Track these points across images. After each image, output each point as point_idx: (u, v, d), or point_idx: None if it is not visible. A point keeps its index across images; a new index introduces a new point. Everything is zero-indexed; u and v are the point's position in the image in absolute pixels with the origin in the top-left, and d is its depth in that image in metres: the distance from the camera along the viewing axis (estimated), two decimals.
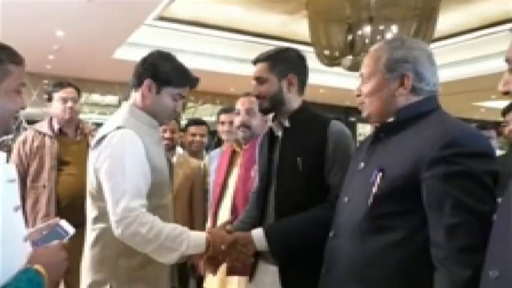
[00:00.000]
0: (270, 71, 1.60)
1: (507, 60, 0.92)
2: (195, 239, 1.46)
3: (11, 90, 1.06)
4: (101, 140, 1.49)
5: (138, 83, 1.56)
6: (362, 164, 1.27)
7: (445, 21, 5.76)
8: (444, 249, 1.01)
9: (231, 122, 2.37)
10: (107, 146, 1.46)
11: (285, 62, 1.61)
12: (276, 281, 1.52)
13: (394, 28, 4.95)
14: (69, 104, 2.58)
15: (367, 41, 4.94)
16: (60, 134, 2.62)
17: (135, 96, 1.58)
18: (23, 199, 2.50)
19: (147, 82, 1.54)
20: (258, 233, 1.50)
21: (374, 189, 1.15)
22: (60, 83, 2.68)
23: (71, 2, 4.23)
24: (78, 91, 2.72)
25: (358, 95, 1.30)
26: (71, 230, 1.26)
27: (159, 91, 1.55)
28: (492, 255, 0.90)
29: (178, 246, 1.42)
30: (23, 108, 1.12)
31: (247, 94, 2.18)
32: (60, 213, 2.41)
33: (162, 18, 5.89)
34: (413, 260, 1.09)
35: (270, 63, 1.60)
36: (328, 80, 7.41)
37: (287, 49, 1.67)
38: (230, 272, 2.00)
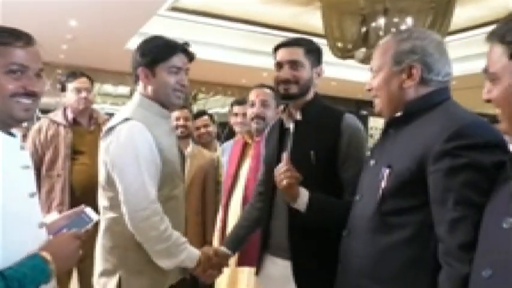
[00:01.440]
0: (305, 57, 1.57)
1: (485, 71, 0.92)
2: (192, 253, 1.51)
3: (2, 72, 1.01)
4: (110, 131, 1.50)
5: (136, 76, 1.57)
6: (373, 161, 1.26)
7: (461, 14, 5.65)
8: (446, 244, 1.00)
9: (244, 114, 2.37)
10: (116, 138, 1.46)
11: (316, 52, 1.61)
12: (286, 274, 1.52)
13: (409, 20, 4.88)
14: (83, 94, 2.61)
15: (381, 33, 4.87)
16: (74, 123, 2.64)
17: (140, 87, 1.58)
18: (38, 187, 2.54)
19: (140, 71, 1.54)
20: (304, 193, 1.45)
21: (382, 186, 1.14)
22: (73, 73, 2.70)
23: None
24: (91, 81, 2.75)
25: (369, 89, 1.29)
26: (95, 216, 1.31)
27: (154, 73, 1.53)
28: (483, 255, 0.89)
29: (179, 254, 1.47)
30: (24, 92, 1.05)
31: (260, 85, 2.16)
32: (74, 201, 2.44)
33: (174, 9, 5.87)
34: (423, 257, 1.08)
35: (306, 48, 1.58)
36: (340, 73, 7.34)
37: (314, 42, 1.65)
38: (240, 263, 2.01)
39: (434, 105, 1.16)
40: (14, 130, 1.12)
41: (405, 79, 1.18)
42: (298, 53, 1.57)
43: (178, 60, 1.55)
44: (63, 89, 2.67)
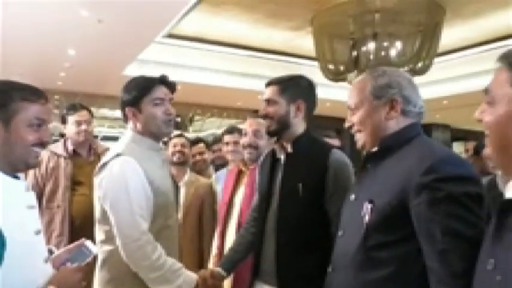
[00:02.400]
0: (280, 94, 1.66)
1: (486, 91, 0.93)
2: (189, 277, 1.58)
3: (25, 124, 1.14)
4: (103, 167, 1.58)
5: (125, 116, 1.67)
6: (353, 196, 1.29)
7: (450, 35, 5.82)
8: (439, 273, 1.02)
9: (235, 142, 2.44)
10: (108, 174, 1.55)
11: (295, 88, 1.68)
12: None
13: (398, 44, 5.02)
14: (83, 127, 2.69)
15: (371, 57, 5.02)
16: (74, 154, 2.71)
17: (131, 125, 1.67)
18: None
19: (127, 110, 1.64)
20: None
21: (365, 221, 1.16)
22: (74, 106, 2.79)
23: (82, 22, 4.36)
24: (91, 113, 2.83)
25: (350, 127, 1.33)
26: (94, 249, 1.38)
27: (140, 109, 1.63)
28: None
29: (175, 279, 1.53)
30: (43, 142, 1.19)
31: (254, 116, 2.25)
32: (74, 232, 2.51)
33: (170, 36, 6.02)
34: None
35: (281, 86, 1.67)
36: (334, 94, 7.47)
37: (300, 76, 1.73)
38: (235, 287, 2.06)
39: (409, 140, 1.21)
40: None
41: (389, 111, 1.24)
42: (272, 92, 1.68)
43: (159, 92, 1.65)
44: (64, 121, 2.74)
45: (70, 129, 2.70)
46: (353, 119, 1.31)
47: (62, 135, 2.89)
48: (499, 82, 0.87)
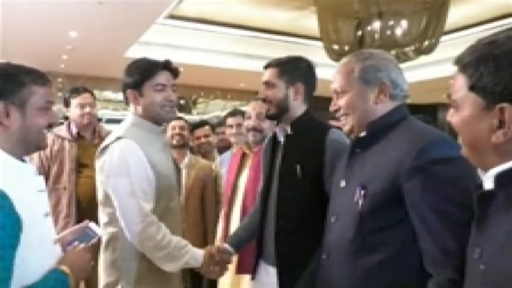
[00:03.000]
0: (278, 77, 1.63)
1: (448, 96, 0.94)
2: (195, 253, 1.60)
3: (37, 108, 1.16)
4: (104, 151, 1.58)
5: (126, 99, 1.66)
6: (343, 182, 1.27)
7: (457, 13, 5.70)
8: (432, 253, 1.03)
9: (238, 125, 2.44)
10: (109, 157, 1.54)
11: (294, 70, 1.65)
12: (275, 283, 1.58)
13: (404, 23, 4.93)
14: (87, 109, 2.69)
15: (376, 36, 4.94)
16: (79, 137, 2.72)
17: (132, 108, 1.66)
18: None
19: (129, 93, 1.63)
20: None
21: (359, 207, 1.15)
22: (77, 89, 2.78)
23: (82, 4, 4.31)
24: (94, 96, 2.82)
25: (336, 110, 1.31)
26: (99, 231, 1.42)
27: (142, 93, 1.62)
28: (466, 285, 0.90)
29: (182, 256, 1.55)
30: (51, 124, 1.21)
31: (257, 99, 2.23)
32: (80, 213, 2.53)
33: (172, 17, 5.94)
34: (404, 277, 1.10)
35: (279, 69, 1.64)
36: None
37: (299, 58, 1.70)
38: (238, 270, 2.08)
39: (396, 123, 1.20)
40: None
41: (378, 95, 1.23)
42: (271, 74, 1.65)
43: (162, 77, 1.63)
44: (67, 104, 2.74)
45: (74, 112, 2.70)
46: (340, 103, 1.29)
47: (66, 118, 2.89)
48: (457, 87, 0.88)
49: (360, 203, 1.15)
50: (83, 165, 2.66)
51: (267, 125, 2.16)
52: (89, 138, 2.75)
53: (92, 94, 2.80)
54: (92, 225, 1.42)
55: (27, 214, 1.05)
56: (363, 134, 1.25)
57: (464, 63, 0.87)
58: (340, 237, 1.22)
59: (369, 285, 1.14)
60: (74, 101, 2.70)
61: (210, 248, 1.70)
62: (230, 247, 1.77)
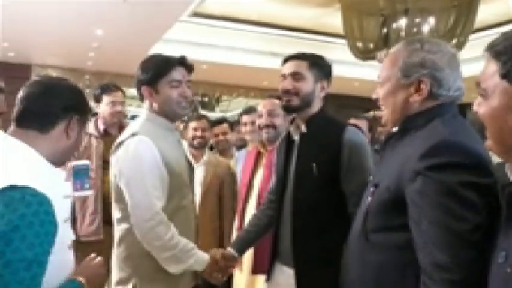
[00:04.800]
0: (308, 70, 1.61)
1: (477, 84, 0.89)
2: (201, 258, 1.58)
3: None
4: (119, 146, 1.59)
5: (141, 95, 1.65)
6: (371, 177, 1.26)
7: (487, 10, 5.50)
8: (423, 263, 0.98)
9: (252, 123, 2.42)
10: (124, 153, 1.55)
11: (322, 67, 1.64)
12: (291, 283, 1.56)
13: (431, 20, 4.79)
14: (118, 108, 2.70)
15: (402, 33, 4.81)
16: (105, 134, 2.73)
17: (147, 104, 1.66)
18: None
19: (144, 89, 1.62)
20: None
21: (367, 204, 1.13)
22: (108, 87, 2.79)
23: (107, 2, 4.39)
24: (124, 94, 2.83)
25: (376, 99, 1.26)
26: (86, 161, 1.49)
27: (157, 90, 1.60)
28: None
29: (187, 259, 1.53)
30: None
31: (269, 96, 2.21)
32: (106, 209, 2.54)
33: (196, 14, 5.98)
34: (404, 278, 1.06)
35: (309, 62, 1.62)
36: (362, 73, 7.28)
37: (323, 57, 1.69)
38: (254, 271, 2.07)
39: (427, 122, 1.11)
40: None
41: (413, 93, 1.14)
42: (301, 66, 1.61)
43: (177, 73, 1.62)
44: (98, 101, 2.76)
45: (104, 109, 2.71)
46: (379, 92, 1.23)
47: (94, 115, 2.92)
48: (488, 75, 0.84)
49: (369, 199, 1.13)
50: (108, 162, 2.67)
51: (279, 121, 2.14)
52: (115, 135, 2.75)
53: (123, 92, 2.81)
54: (75, 162, 1.46)
55: None
56: (394, 129, 1.20)
57: (497, 49, 0.82)
58: (354, 230, 1.23)
59: (373, 280, 1.11)
60: (106, 98, 2.70)
61: (215, 254, 1.67)
62: (234, 251, 1.76)
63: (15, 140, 1.09)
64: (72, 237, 1.25)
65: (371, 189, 1.14)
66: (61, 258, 1.14)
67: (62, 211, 1.16)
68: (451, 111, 1.15)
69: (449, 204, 0.95)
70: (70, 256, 1.21)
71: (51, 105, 1.12)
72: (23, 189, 0.97)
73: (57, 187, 1.13)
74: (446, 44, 1.21)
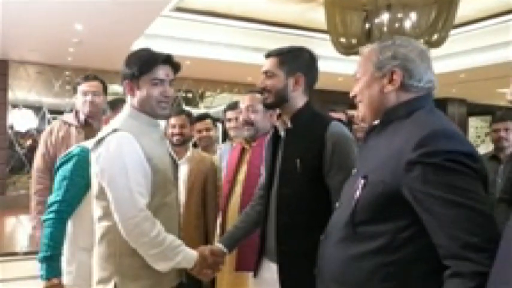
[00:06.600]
0: (278, 67, 1.61)
1: None
2: (189, 254, 1.56)
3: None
4: (99, 143, 1.55)
5: (124, 90, 1.63)
6: (354, 170, 1.28)
7: (468, 6, 5.57)
8: (449, 248, 0.97)
9: (237, 119, 2.40)
10: (105, 150, 1.52)
11: (295, 60, 1.62)
12: (276, 279, 1.56)
13: (413, 15, 4.83)
14: (89, 97, 2.62)
15: (384, 29, 4.85)
16: (86, 124, 2.67)
17: (129, 99, 1.64)
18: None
19: (126, 84, 1.60)
20: None
21: (356, 196, 1.14)
22: (86, 76, 2.72)
23: None
24: (104, 84, 2.75)
25: (354, 96, 1.29)
26: None
27: (138, 86, 1.59)
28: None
29: (175, 256, 1.51)
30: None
31: (250, 91, 2.20)
32: None
33: (179, 9, 5.91)
34: (392, 263, 1.07)
35: (280, 58, 1.62)
36: (346, 68, 7.31)
37: (300, 48, 1.67)
38: (238, 268, 2.05)
39: (408, 114, 1.16)
40: None
41: (386, 84, 1.19)
42: (271, 64, 1.63)
43: (161, 72, 1.59)
44: (75, 91, 2.70)
45: (78, 99, 2.66)
46: (355, 89, 1.28)
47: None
48: None
49: (358, 192, 1.13)
50: None
51: (258, 117, 2.12)
52: (96, 127, 2.67)
53: (102, 82, 2.73)
54: None
55: None
56: (376, 122, 1.23)
57: None
58: (336, 222, 1.23)
59: (355, 270, 1.13)
60: (80, 88, 2.65)
61: (204, 250, 1.66)
62: (224, 247, 1.74)
63: None
64: None
65: (361, 181, 1.14)
66: None
67: None
68: (430, 103, 1.20)
69: (456, 182, 0.97)
70: None
71: None
72: None
73: None
74: (416, 41, 1.28)
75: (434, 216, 0.99)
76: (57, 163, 1.96)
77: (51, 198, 1.87)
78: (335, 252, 1.20)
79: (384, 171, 1.09)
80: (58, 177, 1.89)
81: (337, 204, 1.31)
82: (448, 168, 0.98)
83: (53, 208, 1.83)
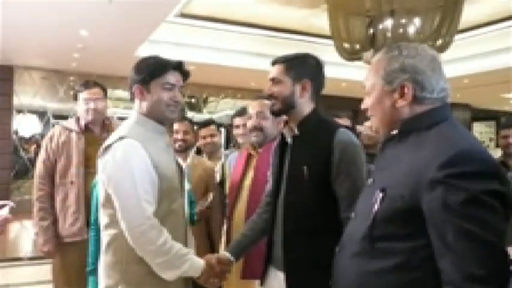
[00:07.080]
0: (285, 73, 1.61)
1: None
2: (196, 263, 1.54)
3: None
4: (106, 150, 1.54)
5: (132, 94, 1.63)
6: (371, 180, 1.24)
7: (472, 11, 5.57)
8: (451, 276, 0.95)
9: (245, 125, 2.38)
10: (112, 157, 1.51)
11: (301, 67, 1.63)
12: (283, 287, 1.54)
13: (417, 21, 4.82)
14: (92, 105, 2.60)
15: (388, 34, 4.84)
16: (87, 130, 2.65)
17: (136, 105, 1.64)
18: (52, 196, 2.56)
19: (135, 88, 1.60)
20: None
21: (374, 210, 1.10)
22: (87, 83, 2.70)
23: (92, 3, 4.32)
24: (105, 91, 2.73)
25: (365, 109, 1.27)
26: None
27: (149, 90, 1.59)
28: None
29: (181, 265, 1.50)
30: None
31: (258, 97, 2.19)
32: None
33: (182, 15, 5.94)
34: (408, 286, 1.04)
35: (286, 65, 1.62)
36: (350, 74, 7.31)
37: (306, 55, 1.67)
38: (244, 275, 2.04)
39: (430, 126, 1.11)
40: None
41: (397, 99, 1.16)
42: (277, 71, 1.63)
43: (171, 77, 1.61)
44: (76, 98, 2.68)
45: (80, 106, 2.64)
46: (367, 102, 1.25)
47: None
48: None
49: (376, 206, 1.10)
50: (90, 159, 2.54)
51: (268, 123, 2.12)
52: (97, 132, 2.67)
53: (103, 89, 2.71)
54: None
55: None
56: (394, 132, 1.19)
57: None
58: (353, 234, 1.20)
59: (371, 286, 1.10)
60: (81, 95, 2.63)
61: (210, 258, 1.64)
62: (231, 255, 1.72)
63: None
64: None
65: (380, 194, 1.10)
66: None
67: None
68: (450, 115, 1.17)
69: (477, 214, 0.93)
70: None
71: None
72: None
73: None
74: (425, 47, 1.21)
75: (445, 241, 0.97)
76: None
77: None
78: (351, 265, 1.16)
79: (404, 186, 1.05)
80: None
81: (352, 215, 1.27)
82: (473, 195, 0.94)
83: None
